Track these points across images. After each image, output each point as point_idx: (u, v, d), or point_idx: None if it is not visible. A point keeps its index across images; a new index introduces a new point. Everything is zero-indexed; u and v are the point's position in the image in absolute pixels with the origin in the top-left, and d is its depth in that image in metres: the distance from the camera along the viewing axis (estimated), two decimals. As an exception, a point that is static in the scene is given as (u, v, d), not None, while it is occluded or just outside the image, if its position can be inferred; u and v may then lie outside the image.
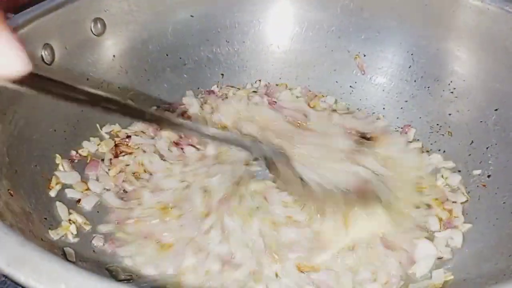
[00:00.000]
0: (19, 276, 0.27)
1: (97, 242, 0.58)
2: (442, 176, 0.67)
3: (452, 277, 0.53)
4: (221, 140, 0.58)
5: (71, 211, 0.59)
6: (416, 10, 0.76)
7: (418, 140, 0.76)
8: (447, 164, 0.69)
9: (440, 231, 0.60)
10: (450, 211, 0.62)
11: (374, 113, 0.81)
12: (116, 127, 0.74)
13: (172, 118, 0.60)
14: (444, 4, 0.72)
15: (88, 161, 0.68)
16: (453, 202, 0.63)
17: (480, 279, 0.50)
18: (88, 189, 0.64)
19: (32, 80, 0.33)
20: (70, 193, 0.62)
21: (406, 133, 0.77)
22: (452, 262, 0.56)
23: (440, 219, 0.61)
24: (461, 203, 0.63)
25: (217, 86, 0.86)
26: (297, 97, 0.85)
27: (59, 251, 0.52)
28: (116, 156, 0.70)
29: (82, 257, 0.54)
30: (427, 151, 0.74)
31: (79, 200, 0.62)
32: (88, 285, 0.27)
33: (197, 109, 0.81)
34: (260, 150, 0.62)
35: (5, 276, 0.59)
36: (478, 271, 0.52)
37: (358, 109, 0.83)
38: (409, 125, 0.78)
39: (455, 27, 0.73)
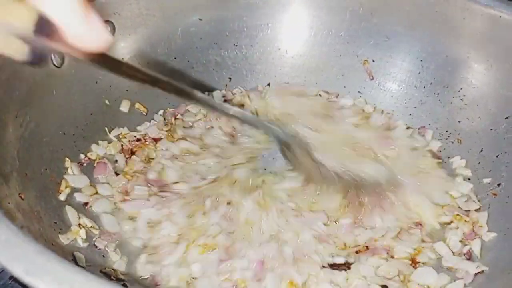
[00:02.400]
0: (40, 285, 0.27)
1: (100, 244, 0.57)
2: (452, 187, 0.67)
3: None
4: (239, 119, 0.60)
5: (80, 215, 0.59)
6: (426, 16, 0.76)
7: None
8: (465, 172, 0.69)
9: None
10: (474, 222, 0.61)
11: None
12: (124, 130, 0.74)
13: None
14: (455, 11, 0.72)
15: (95, 164, 0.67)
16: (475, 210, 0.63)
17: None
18: (96, 193, 0.64)
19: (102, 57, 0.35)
20: (78, 197, 0.62)
21: (423, 135, 0.77)
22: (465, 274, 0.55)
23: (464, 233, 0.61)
24: (475, 210, 0.63)
25: (225, 91, 0.86)
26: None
27: (69, 256, 0.52)
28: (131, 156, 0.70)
29: (91, 262, 0.53)
30: (438, 158, 0.73)
31: (86, 204, 0.62)
32: (109, 295, 0.27)
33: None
34: (274, 132, 0.64)
35: (11, 279, 0.59)
36: (491, 282, 0.52)
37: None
38: (424, 127, 0.77)
39: (465, 34, 0.73)
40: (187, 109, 0.81)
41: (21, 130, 0.57)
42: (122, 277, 0.53)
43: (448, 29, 0.75)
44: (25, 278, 0.28)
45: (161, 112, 0.80)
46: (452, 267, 0.57)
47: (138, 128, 0.76)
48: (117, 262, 0.56)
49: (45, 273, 0.27)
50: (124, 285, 0.52)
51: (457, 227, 0.61)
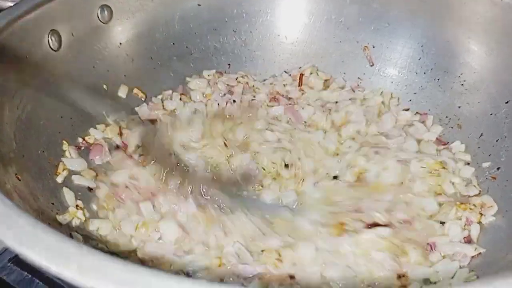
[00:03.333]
0: (31, 255, 0.27)
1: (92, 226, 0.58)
2: (454, 173, 0.66)
3: (475, 277, 0.51)
4: None
5: (78, 197, 0.59)
6: (427, 1, 0.75)
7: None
8: (465, 157, 0.68)
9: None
10: (482, 206, 0.60)
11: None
12: (122, 115, 0.74)
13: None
14: (456, -6, 0.71)
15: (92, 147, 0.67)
16: (475, 195, 0.62)
17: (490, 269, 0.49)
18: (97, 175, 0.64)
19: None
20: (77, 180, 0.61)
21: (423, 121, 0.76)
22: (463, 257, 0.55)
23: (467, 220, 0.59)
24: (475, 195, 0.62)
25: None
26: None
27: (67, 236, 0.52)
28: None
29: (89, 243, 0.53)
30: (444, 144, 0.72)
31: (90, 189, 0.62)
32: (101, 265, 0.27)
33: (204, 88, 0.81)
34: None
35: (11, 261, 0.59)
36: (488, 264, 0.51)
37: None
38: (426, 113, 0.77)
39: (466, 18, 0.72)
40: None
41: (18, 112, 0.56)
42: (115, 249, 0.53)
43: (448, 13, 0.74)
44: (18, 248, 0.28)
45: (160, 96, 0.80)
46: (450, 254, 0.56)
47: (136, 109, 0.76)
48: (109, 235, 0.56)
49: (36, 243, 0.27)
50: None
51: (461, 218, 0.60)
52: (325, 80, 0.84)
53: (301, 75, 0.84)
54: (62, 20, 0.65)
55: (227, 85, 0.83)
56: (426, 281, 0.53)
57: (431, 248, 0.56)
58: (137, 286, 0.28)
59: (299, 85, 0.84)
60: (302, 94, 0.83)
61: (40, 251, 0.27)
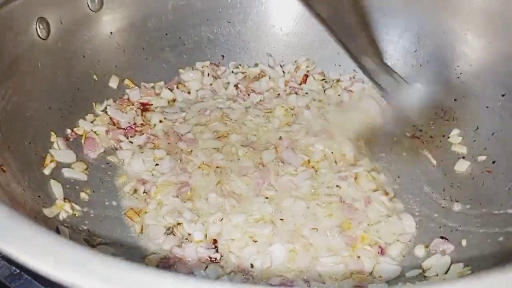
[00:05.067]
0: (7, 248, 0.26)
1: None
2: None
3: (469, 272, 0.50)
4: None
5: (66, 190, 0.58)
6: (424, -9, 0.74)
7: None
8: (461, 150, 0.68)
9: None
10: None
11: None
12: (109, 102, 0.72)
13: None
14: (453, -15, 0.70)
15: (83, 140, 0.66)
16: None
17: (484, 263, 0.49)
18: (87, 168, 0.62)
19: None
20: (67, 173, 0.60)
21: None
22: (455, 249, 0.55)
23: None
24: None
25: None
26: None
27: (53, 229, 0.51)
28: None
29: (76, 236, 0.52)
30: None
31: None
32: (79, 258, 0.26)
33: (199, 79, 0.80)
34: None
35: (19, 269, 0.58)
36: (482, 257, 0.51)
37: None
38: None
39: (463, 9, 0.71)
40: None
41: (3, 103, 0.55)
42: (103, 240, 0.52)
43: (446, 4, 0.73)
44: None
45: (151, 84, 0.78)
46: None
47: (127, 91, 0.75)
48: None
49: (11, 235, 0.26)
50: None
51: None
52: (322, 79, 0.83)
53: (306, 76, 0.83)
54: (51, 7, 0.63)
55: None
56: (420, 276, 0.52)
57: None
58: (121, 281, 0.27)
59: (302, 83, 0.83)
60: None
61: (16, 244, 0.26)
